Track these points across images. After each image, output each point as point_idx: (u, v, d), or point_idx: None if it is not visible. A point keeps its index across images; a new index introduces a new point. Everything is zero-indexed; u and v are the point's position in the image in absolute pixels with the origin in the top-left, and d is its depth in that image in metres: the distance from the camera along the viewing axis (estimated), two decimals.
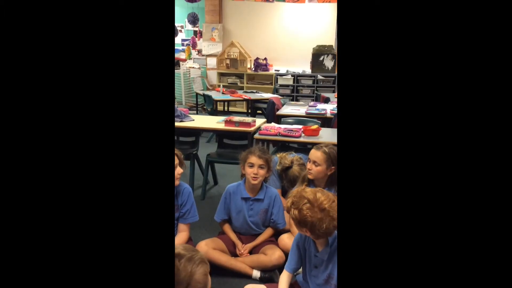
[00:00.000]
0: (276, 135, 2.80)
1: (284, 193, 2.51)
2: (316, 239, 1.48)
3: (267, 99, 4.47)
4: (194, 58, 6.99)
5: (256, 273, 1.97)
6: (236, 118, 3.06)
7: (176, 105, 4.71)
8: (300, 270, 1.66)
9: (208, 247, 1.98)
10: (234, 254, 2.07)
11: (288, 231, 2.14)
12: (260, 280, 1.93)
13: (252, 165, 2.02)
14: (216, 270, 1.93)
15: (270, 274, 1.96)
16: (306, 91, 6.29)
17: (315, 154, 2.01)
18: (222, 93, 5.17)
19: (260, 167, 2.02)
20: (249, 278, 1.95)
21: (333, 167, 2.00)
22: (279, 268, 1.97)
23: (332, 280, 1.49)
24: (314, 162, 2.00)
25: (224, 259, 1.99)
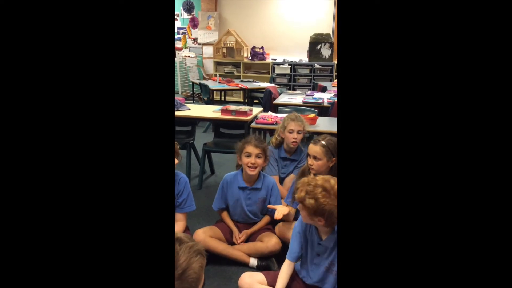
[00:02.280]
0: (273, 124, 2.79)
1: (281, 181, 2.51)
2: (328, 227, 1.47)
3: (264, 88, 4.45)
4: (190, 47, 6.93)
5: (253, 261, 1.98)
6: (233, 107, 3.04)
7: None
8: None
9: (205, 235, 1.99)
10: (231, 242, 2.08)
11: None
12: (257, 268, 1.94)
13: (249, 155, 2.00)
14: (213, 258, 1.94)
15: (267, 262, 1.97)
16: (303, 80, 6.26)
17: (314, 149, 1.98)
18: (219, 82, 5.14)
19: (257, 156, 2.00)
20: (246, 266, 1.96)
21: (334, 159, 1.98)
22: (276, 255, 1.98)
23: (333, 266, 1.50)
24: (315, 157, 1.98)
25: (221, 247, 1.99)
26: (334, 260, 1.49)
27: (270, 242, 1.98)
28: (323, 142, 1.98)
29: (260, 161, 2.01)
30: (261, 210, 2.13)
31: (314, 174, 2.03)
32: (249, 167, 2.01)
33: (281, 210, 1.92)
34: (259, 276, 1.68)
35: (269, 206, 2.05)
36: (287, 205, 2.09)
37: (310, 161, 1.99)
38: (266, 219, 2.15)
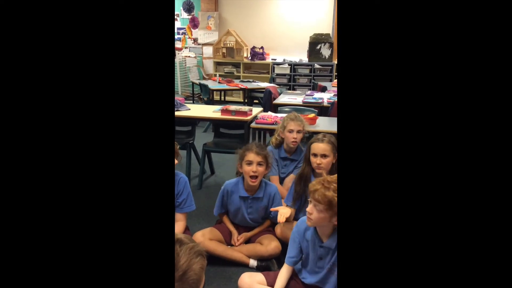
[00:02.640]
0: (272, 124, 2.79)
1: (281, 181, 2.51)
2: None
3: (264, 88, 4.45)
4: (189, 47, 6.93)
5: (253, 262, 1.98)
6: (233, 107, 3.03)
7: None
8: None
9: (204, 237, 1.98)
10: (230, 244, 2.08)
11: None
12: (257, 269, 1.94)
13: (250, 163, 1.94)
14: (213, 259, 1.93)
15: (266, 262, 1.96)
16: (303, 80, 6.26)
17: (321, 147, 1.96)
18: (219, 82, 5.14)
19: (259, 164, 1.94)
20: (246, 267, 1.96)
21: (337, 154, 1.99)
22: (276, 258, 1.98)
23: (335, 267, 1.49)
24: (323, 155, 1.96)
25: (221, 249, 1.99)
26: (336, 261, 1.48)
27: (270, 245, 1.97)
28: (326, 139, 1.98)
29: (261, 169, 1.96)
30: (261, 217, 2.12)
31: (314, 171, 2.04)
32: (250, 177, 1.95)
33: (283, 213, 1.91)
34: (259, 276, 1.67)
35: (272, 209, 2.03)
36: (287, 205, 2.09)
37: (318, 160, 1.96)
38: (267, 223, 2.14)
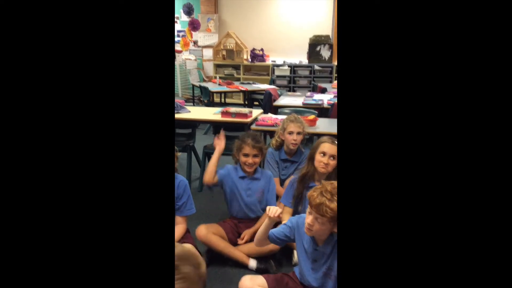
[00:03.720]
0: (273, 125, 2.79)
1: (282, 183, 2.50)
2: None
3: (264, 90, 4.45)
4: (190, 50, 6.94)
5: (252, 263, 1.98)
6: (233, 109, 3.03)
7: None
8: (296, 259, 1.66)
9: (208, 230, 2.01)
10: (233, 242, 2.08)
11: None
12: (256, 270, 1.94)
13: (247, 155, 2.08)
14: (215, 260, 1.93)
15: (265, 265, 1.97)
16: (303, 82, 6.26)
17: (333, 148, 1.92)
18: (219, 84, 5.14)
19: (255, 156, 2.08)
20: (246, 268, 1.96)
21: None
22: (274, 257, 2.00)
23: (331, 271, 1.50)
24: (332, 156, 1.93)
25: (223, 246, 2.00)
26: (332, 265, 1.49)
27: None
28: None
29: (257, 159, 2.11)
30: (260, 201, 2.15)
31: (313, 174, 2.03)
32: (246, 166, 2.09)
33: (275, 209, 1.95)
34: (260, 279, 1.67)
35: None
36: (285, 206, 2.09)
37: (326, 160, 1.93)
38: (266, 216, 2.15)
